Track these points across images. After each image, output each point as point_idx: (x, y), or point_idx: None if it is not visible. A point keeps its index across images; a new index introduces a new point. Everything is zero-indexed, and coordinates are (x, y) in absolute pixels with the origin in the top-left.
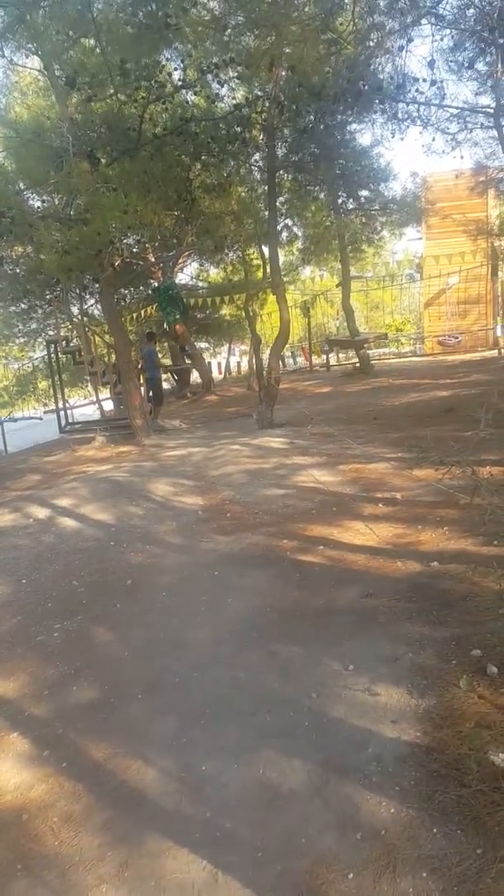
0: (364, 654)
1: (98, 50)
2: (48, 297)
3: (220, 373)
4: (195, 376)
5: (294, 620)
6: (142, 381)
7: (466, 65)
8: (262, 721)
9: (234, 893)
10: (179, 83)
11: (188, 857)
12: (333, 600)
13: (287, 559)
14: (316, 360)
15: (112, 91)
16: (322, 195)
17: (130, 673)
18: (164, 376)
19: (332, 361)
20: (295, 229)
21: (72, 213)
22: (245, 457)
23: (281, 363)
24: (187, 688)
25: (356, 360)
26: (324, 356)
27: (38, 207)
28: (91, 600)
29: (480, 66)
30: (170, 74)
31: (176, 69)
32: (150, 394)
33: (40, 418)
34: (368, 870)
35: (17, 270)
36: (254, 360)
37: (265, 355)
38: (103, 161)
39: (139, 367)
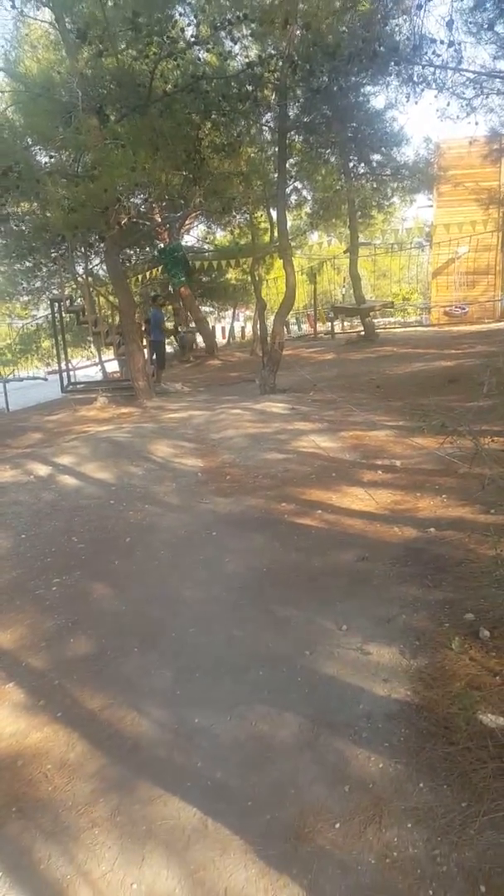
0: (358, 614)
1: (111, 2)
2: (53, 255)
3: (223, 337)
4: (199, 340)
5: (290, 581)
6: (145, 343)
7: (486, 26)
8: (256, 676)
9: (224, 839)
10: (192, 39)
11: (179, 805)
12: (330, 563)
13: (285, 522)
14: (321, 326)
15: (123, 46)
16: (333, 158)
17: (127, 627)
18: (167, 339)
19: (337, 329)
20: (304, 192)
21: (79, 169)
22: (246, 421)
23: (285, 329)
24: (183, 643)
25: (361, 327)
26: (329, 323)
27: (46, 163)
28: (90, 556)
29: (500, 28)
30: (182, 30)
31: (189, 25)
32: (154, 356)
33: (45, 378)
34: (355, 820)
35: (23, 227)
36: (258, 326)
37: (270, 321)
38: (112, 117)
39: (143, 329)
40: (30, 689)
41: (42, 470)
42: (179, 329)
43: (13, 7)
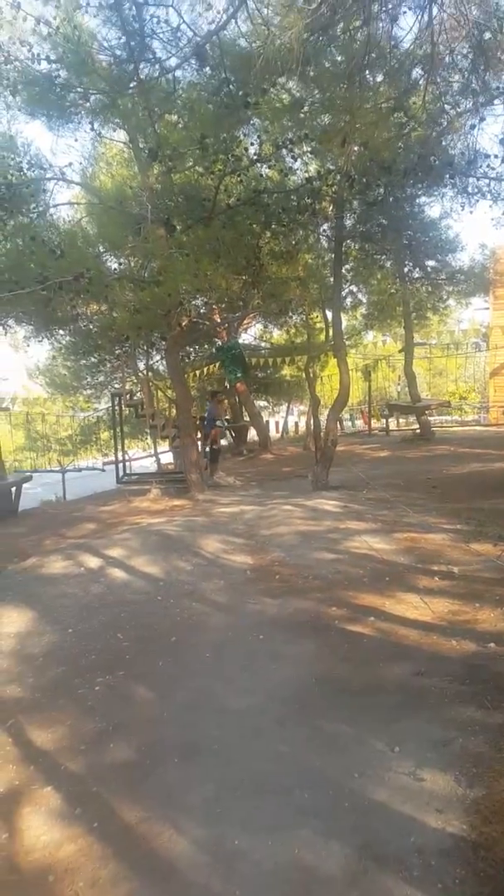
0: (411, 735)
1: (180, 125)
2: (117, 352)
3: (277, 432)
4: (252, 433)
5: (340, 694)
6: (199, 436)
7: None
8: (301, 798)
9: None
10: (255, 157)
11: None
12: (382, 676)
13: (335, 628)
14: (375, 423)
15: (191, 163)
16: (388, 264)
17: (168, 735)
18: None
19: (392, 426)
20: (359, 295)
21: (145, 275)
22: (297, 518)
23: (339, 425)
24: (226, 756)
25: (416, 425)
26: (383, 420)
27: (115, 269)
28: (134, 656)
29: None
30: (246, 149)
31: (252, 144)
32: (207, 449)
33: (102, 469)
34: None
35: (91, 326)
36: (311, 421)
37: (323, 416)
38: (178, 228)
39: (199, 422)
40: (67, 795)
41: (92, 562)
42: (228, 421)
43: (92, 129)
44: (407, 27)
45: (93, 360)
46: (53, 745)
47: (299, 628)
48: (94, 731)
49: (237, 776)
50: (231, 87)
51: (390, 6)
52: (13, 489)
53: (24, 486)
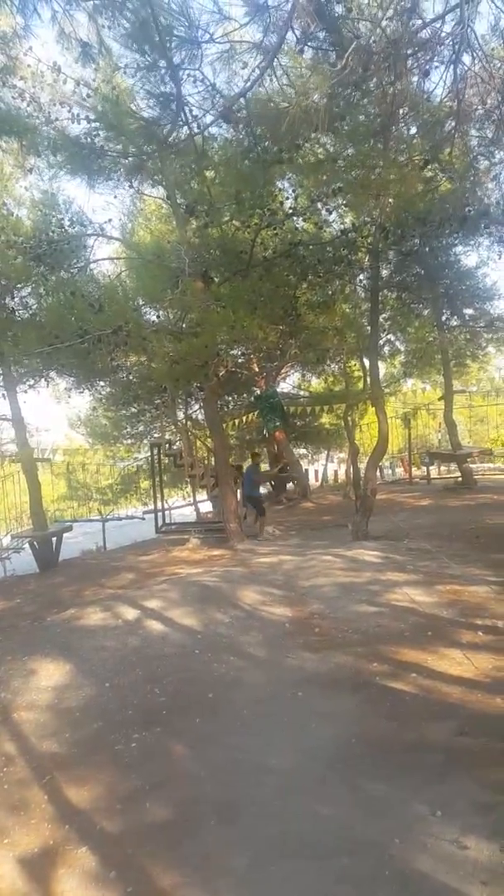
0: (455, 799)
1: (217, 181)
2: (156, 402)
3: (316, 480)
4: (291, 483)
5: (381, 754)
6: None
7: None
8: (341, 864)
9: None
10: (290, 210)
11: None
12: (425, 735)
13: (376, 685)
14: (416, 471)
15: (227, 218)
16: (425, 312)
17: (206, 795)
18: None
19: (433, 474)
20: (397, 344)
21: (183, 326)
22: (337, 569)
23: (379, 474)
24: (264, 819)
25: (458, 473)
26: (424, 468)
27: (153, 321)
28: (171, 712)
29: None
30: (281, 203)
31: (287, 198)
32: (245, 503)
33: (142, 518)
34: None
35: (130, 377)
36: (351, 470)
37: (363, 465)
38: (216, 280)
39: (236, 476)
40: (102, 856)
41: (130, 614)
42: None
43: (131, 187)
44: (437, 80)
45: (132, 410)
46: (89, 803)
47: (339, 684)
48: (131, 790)
49: (276, 839)
50: (263, 144)
51: (421, 61)
52: (54, 539)
53: (66, 535)
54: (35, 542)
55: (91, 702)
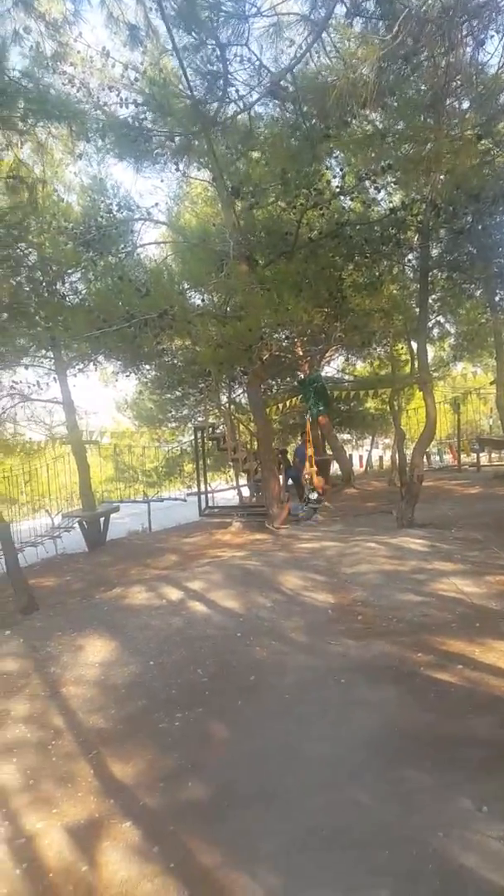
0: (501, 795)
1: (262, 161)
2: (200, 385)
3: (361, 466)
4: (335, 468)
5: (424, 746)
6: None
7: None
8: (380, 856)
9: None
10: (337, 189)
11: None
12: (470, 728)
13: (420, 675)
14: (464, 458)
15: (273, 199)
16: (478, 293)
17: (245, 778)
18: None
19: (483, 461)
20: (447, 326)
21: (228, 310)
22: (381, 556)
23: (426, 460)
24: (302, 804)
25: None
26: (473, 455)
27: (198, 305)
28: (213, 693)
29: None
30: (328, 182)
31: (335, 176)
32: (290, 482)
33: (185, 500)
34: None
35: (175, 361)
36: (396, 456)
37: (409, 451)
38: (260, 263)
39: (280, 458)
40: (145, 831)
41: (174, 594)
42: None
43: (177, 170)
44: (492, 50)
45: (177, 393)
46: (133, 779)
47: (382, 673)
48: (173, 768)
49: (314, 826)
50: (310, 122)
51: (475, 30)
52: (102, 520)
53: (113, 516)
54: (84, 522)
55: (136, 679)
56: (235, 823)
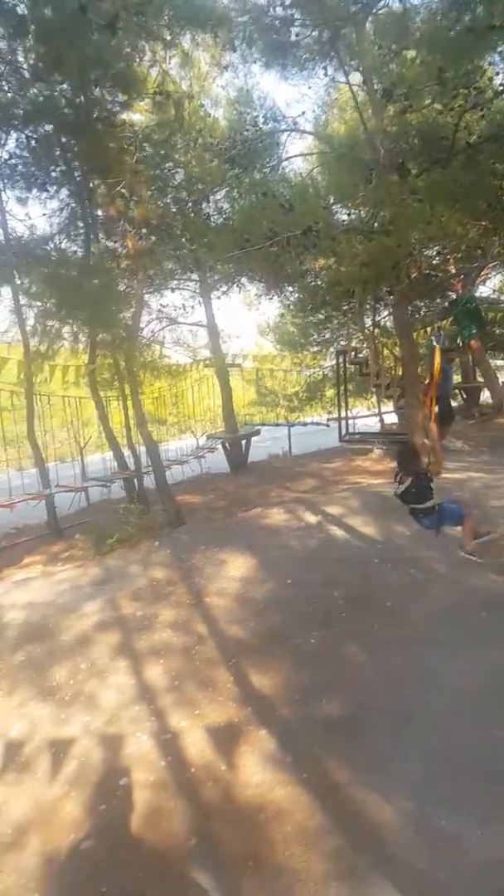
0: None
1: (417, 61)
2: (343, 307)
3: None
4: (486, 395)
5: None
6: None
7: None
8: None
9: None
10: (500, 88)
11: None
12: None
13: None
14: None
15: (428, 101)
16: None
17: (380, 701)
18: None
19: None
20: None
21: (375, 225)
22: None
23: None
24: (437, 731)
25: None
26: None
27: (344, 221)
28: (349, 615)
29: None
30: (490, 79)
31: (498, 73)
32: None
33: (327, 425)
34: None
35: (318, 282)
36: None
37: None
38: (413, 172)
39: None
40: (280, 741)
41: (312, 517)
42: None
43: (325, 74)
44: None
45: (320, 316)
46: (270, 690)
47: None
48: (308, 684)
49: (447, 754)
50: (474, 11)
51: None
52: (243, 442)
53: (254, 439)
54: (226, 444)
55: (273, 596)
56: (369, 744)
